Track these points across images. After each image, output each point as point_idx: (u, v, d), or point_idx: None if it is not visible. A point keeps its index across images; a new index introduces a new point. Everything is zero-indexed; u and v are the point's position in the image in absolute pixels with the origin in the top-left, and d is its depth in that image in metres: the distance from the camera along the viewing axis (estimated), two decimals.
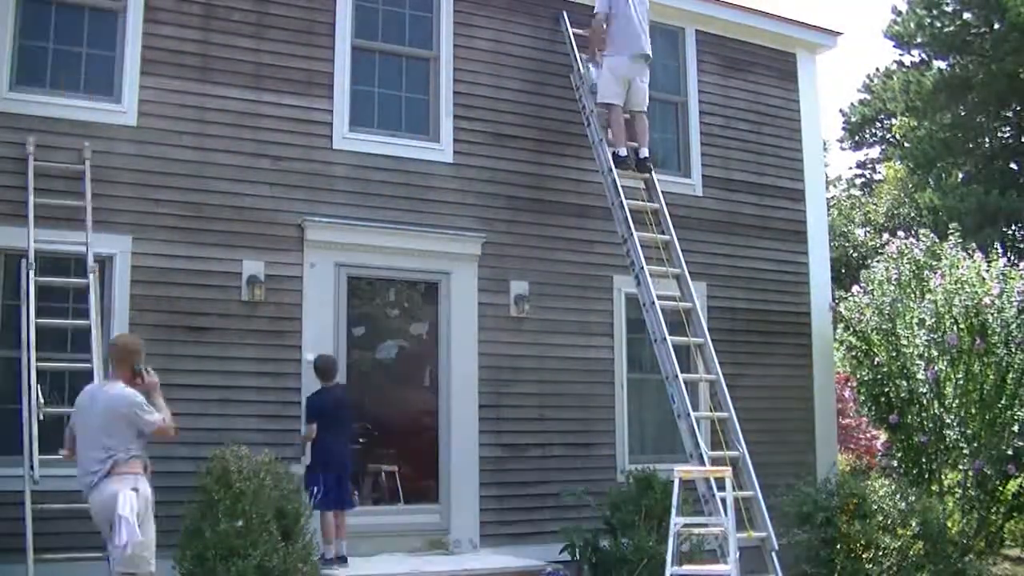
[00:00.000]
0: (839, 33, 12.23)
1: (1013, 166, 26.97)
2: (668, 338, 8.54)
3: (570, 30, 10.02)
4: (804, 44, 12.01)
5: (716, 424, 8.51)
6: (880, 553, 8.55)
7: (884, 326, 10.96)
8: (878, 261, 11.96)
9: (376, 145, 9.31)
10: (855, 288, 11.77)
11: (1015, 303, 10.28)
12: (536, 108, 10.08)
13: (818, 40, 12.12)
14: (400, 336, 9.43)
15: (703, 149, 11.08)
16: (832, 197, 31.58)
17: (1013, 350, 10.29)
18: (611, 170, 9.28)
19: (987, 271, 10.72)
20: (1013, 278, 10.59)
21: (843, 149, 34.93)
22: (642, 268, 8.85)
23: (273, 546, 6.62)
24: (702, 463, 7.95)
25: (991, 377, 10.42)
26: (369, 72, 9.50)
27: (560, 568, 8.39)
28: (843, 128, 33.57)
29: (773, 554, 7.87)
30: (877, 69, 31.71)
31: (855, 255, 26.35)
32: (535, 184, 9.96)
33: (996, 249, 11.33)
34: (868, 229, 30.13)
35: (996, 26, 25.36)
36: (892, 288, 11.09)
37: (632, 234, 8.99)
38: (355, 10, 9.40)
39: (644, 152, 9.59)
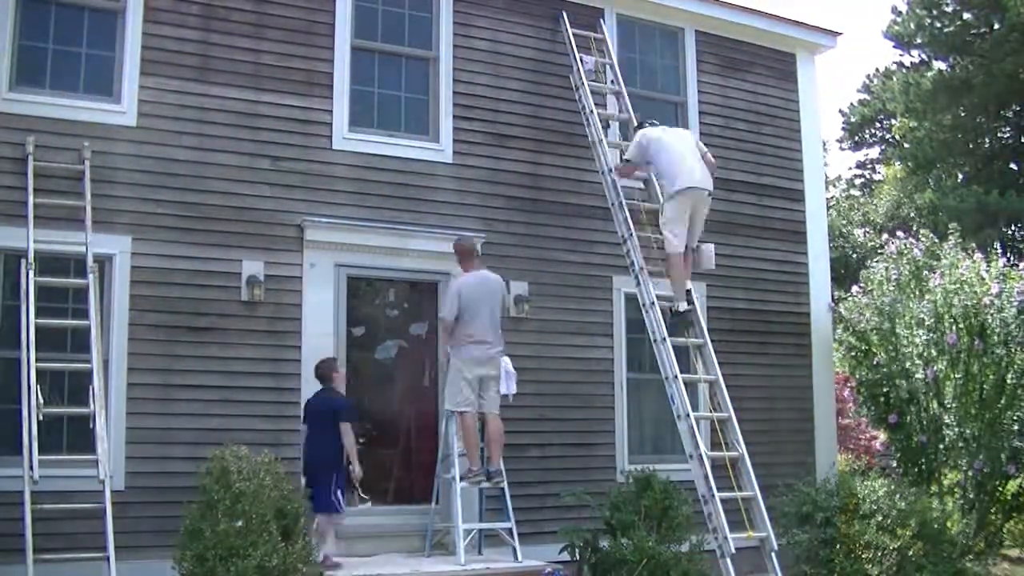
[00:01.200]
0: (839, 33, 12.24)
1: (1013, 166, 26.98)
2: (668, 338, 8.48)
3: (570, 30, 10.00)
4: (804, 44, 12.01)
5: (716, 425, 8.49)
6: (880, 553, 8.55)
7: (883, 326, 10.97)
8: (877, 261, 11.97)
9: (376, 145, 9.31)
10: (855, 288, 11.78)
11: (1014, 303, 10.29)
12: (536, 108, 10.08)
13: (818, 40, 12.12)
14: (400, 336, 9.43)
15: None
16: (832, 197, 31.60)
17: (1013, 350, 10.29)
18: (610, 170, 9.26)
19: (986, 271, 10.73)
20: (1012, 278, 10.60)
21: (843, 149, 34.99)
22: (641, 268, 8.80)
23: (273, 546, 6.61)
24: (701, 464, 7.91)
25: (991, 377, 10.42)
26: (369, 72, 9.51)
27: (560, 568, 8.38)
28: (843, 128, 33.62)
29: (773, 554, 7.83)
30: (877, 69, 31.78)
31: (855, 255, 26.35)
32: (535, 184, 9.97)
33: (995, 249, 11.34)
34: (868, 229, 30.15)
35: (996, 26, 25.36)
36: (891, 288, 11.09)
37: (632, 234, 8.96)
38: (355, 10, 9.41)
39: (682, 305, 8.75)
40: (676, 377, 8.30)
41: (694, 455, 8.01)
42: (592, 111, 9.57)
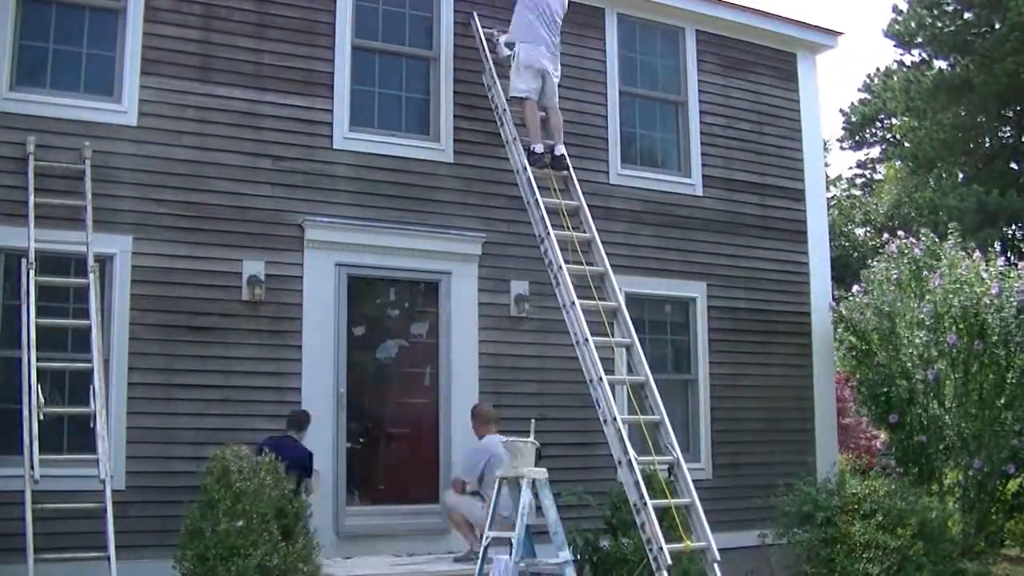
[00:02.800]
0: (839, 33, 12.23)
1: (1013, 166, 26.99)
2: (591, 339, 8.03)
3: (480, 31, 9.73)
4: (804, 44, 12.01)
5: (644, 429, 7.99)
6: (880, 553, 8.55)
7: (884, 326, 10.96)
8: (878, 261, 11.97)
9: (377, 145, 9.31)
10: (855, 288, 11.77)
11: (1014, 303, 10.28)
12: None
13: (818, 40, 12.12)
14: (400, 336, 9.42)
15: (703, 149, 11.07)
16: (832, 197, 31.61)
17: (1012, 350, 10.28)
18: (525, 168, 8.94)
19: (986, 271, 10.72)
20: (1012, 278, 10.58)
21: (843, 149, 34.98)
22: (560, 268, 8.42)
23: (273, 546, 6.62)
24: (632, 470, 7.38)
25: (990, 377, 10.41)
26: (369, 72, 9.50)
27: None
28: (843, 128, 33.61)
29: (716, 565, 7.19)
30: (877, 69, 31.82)
31: (855, 255, 26.37)
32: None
33: (995, 249, 11.33)
34: (868, 229, 30.16)
35: (997, 26, 25.36)
36: (892, 288, 11.09)
37: (549, 233, 8.57)
38: (355, 10, 9.40)
39: (560, 149, 9.23)
40: (601, 379, 7.85)
41: (623, 461, 7.50)
42: (505, 109, 9.30)
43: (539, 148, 9.11)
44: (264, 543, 6.57)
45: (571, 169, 9.29)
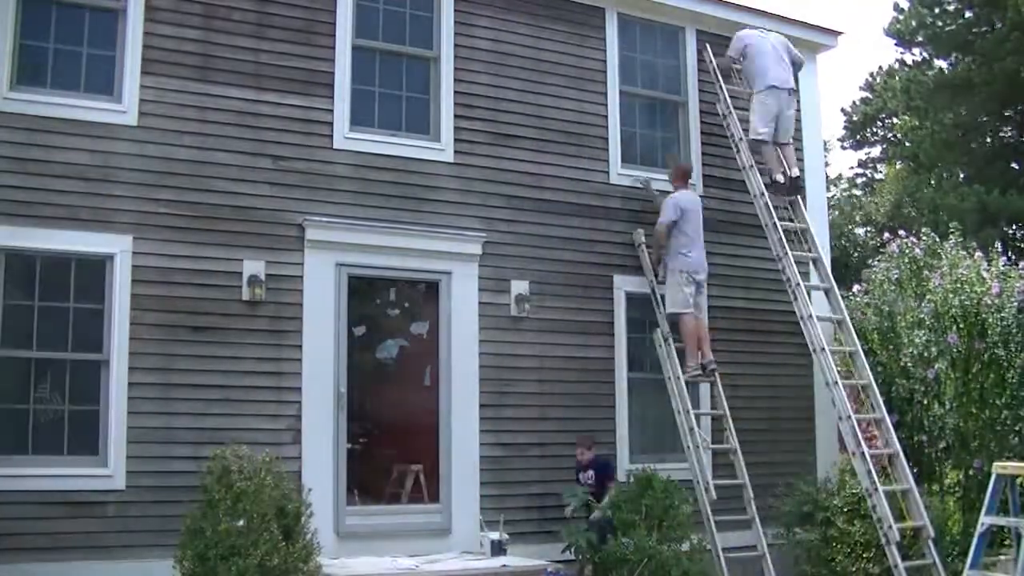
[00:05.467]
0: (840, 32, 12.22)
1: (1014, 165, 26.93)
2: (827, 348, 9.17)
3: (713, 61, 10.61)
4: (805, 43, 11.96)
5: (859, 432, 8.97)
6: (880, 553, 8.55)
7: (884, 326, 10.96)
8: (878, 261, 11.97)
9: (377, 145, 9.31)
10: (855, 288, 11.77)
11: (1015, 303, 10.28)
12: (536, 108, 10.07)
13: (819, 39, 12.11)
14: (400, 336, 9.43)
15: (703, 149, 11.06)
16: (833, 197, 31.59)
17: (1013, 350, 10.29)
18: (762, 193, 9.87)
19: (987, 271, 10.72)
20: (1013, 277, 10.58)
21: (844, 148, 34.94)
22: (798, 284, 9.50)
23: (274, 545, 6.63)
24: (863, 460, 8.52)
25: (991, 377, 10.42)
26: (370, 72, 9.50)
27: (561, 568, 8.41)
28: (844, 127, 33.57)
29: (931, 542, 8.47)
30: (879, 68, 31.74)
31: (855, 255, 26.35)
32: (536, 183, 9.96)
33: (996, 249, 11.32)
34: (868, 229, 30.15)
35: (998, 25, 25.32)
36: (892, 288, 11.09)
37: (787, 252, 9.61)
38: (356, 10, 9.40)
39: (795, 172, 10.21)
40: (837, 383, 8.96)
41: (856, 453, 8.68)
42: (741, 138, 10.10)
43: (780, 178, 10.12)
44: (264, 543, 6.58)
45: (802, 192, 10.36)
